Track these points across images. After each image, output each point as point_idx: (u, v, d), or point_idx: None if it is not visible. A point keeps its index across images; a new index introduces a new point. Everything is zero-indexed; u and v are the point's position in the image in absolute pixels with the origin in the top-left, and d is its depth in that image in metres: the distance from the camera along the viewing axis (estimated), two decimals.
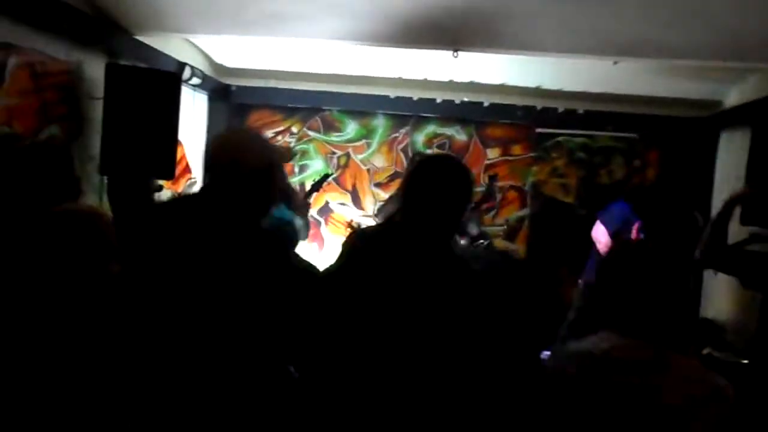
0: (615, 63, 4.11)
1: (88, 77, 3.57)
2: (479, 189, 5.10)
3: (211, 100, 5.48)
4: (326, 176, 4.38)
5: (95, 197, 3.78)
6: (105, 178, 3.75)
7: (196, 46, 4.91)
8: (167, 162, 3.62)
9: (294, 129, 5.76)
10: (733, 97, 4.88)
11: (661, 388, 1.43)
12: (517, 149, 5.56)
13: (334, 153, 5.72)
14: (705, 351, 2.63)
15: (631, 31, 3.51)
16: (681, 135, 5.31)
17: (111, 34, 3.69)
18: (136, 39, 3.89)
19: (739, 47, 3.46)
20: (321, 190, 4.61)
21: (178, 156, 4.86)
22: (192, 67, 4.61)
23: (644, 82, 4.82)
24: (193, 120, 5.10)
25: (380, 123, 5.66)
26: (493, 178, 3.97)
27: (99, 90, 3.39)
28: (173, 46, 4.39)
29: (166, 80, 3.56)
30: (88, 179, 3.67)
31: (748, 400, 2.11)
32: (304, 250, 4.60)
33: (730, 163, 4.77)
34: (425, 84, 5.32)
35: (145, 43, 3.99)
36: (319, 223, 5.68)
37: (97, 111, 3.46)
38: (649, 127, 5.37)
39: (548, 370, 1.77)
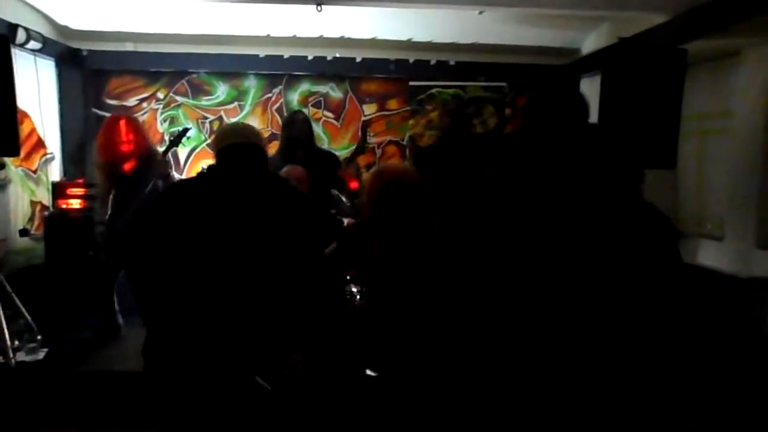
0: (480, 13, 4.19)
1: None
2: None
3: (60, 66, 4.98)
4: (185, 130, 4.15)
5: None
6: None
7: (32, 6, 4.39)
8: (8, 136, 3.28)
9: (160, 95, 5.41)
10: (588, 45, 5.17)
11: None
12: (393, 104, 5.59)
13: (205, 117, 5.45)
14: None
15: None
16: (546, 82, 5.57)
17: None
18: None
19: None
20: (182, 146, 4.33)
21: (26, 130, 4.43)
22: (27, 29, 4.12)
23: (510, 32, 4.98)
24: (40, 90, 4.61)
25: (252, 84, 5.45)
26: (365, 128, 3.97)
27: None
28: (0, 6, 3.90)
29: None
30: None
31: None
32: None
33: (590, 106, 5.07)
34: (295, 41, 5.15)
35: None
36: None
37: None
38: (517, 76, 5.57)
39: None
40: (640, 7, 3.78)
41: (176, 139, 3.96)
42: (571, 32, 5.07)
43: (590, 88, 5.14)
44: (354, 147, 3.91)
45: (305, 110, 5.46)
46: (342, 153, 5.16)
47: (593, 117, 3.65)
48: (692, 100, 3.76)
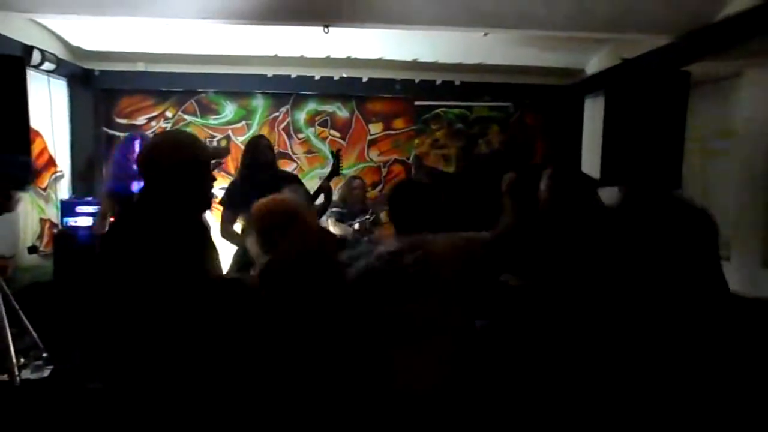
0: (485, 34, 4.24)
1: None
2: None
3: (71, 86, 5.06)
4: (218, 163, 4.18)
5: None
6: None
7: (46, 28, 4.49)
8: (20, 155, 3.32)
9: (168, 114, 5.48)
10: (593, 65, 5.22)
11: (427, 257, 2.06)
12: (398, 123, 5.64)
13: (213, 136, 5.51)
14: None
15: (496, 2, 3.64)
16: (551, 102, 5.62)
17: None
18: None
19: (589, 19, 3.69)
20: None
21: (37, 149, 4.49)
22: (42, 51, 4.21)
23: (514, 53, 5.04)
24: (53, 109, 4.68)
25: (259, 103, 5.52)
26: (336, 154, 4.00)
27: None
28: (17, 28, 3.99)
29: (8, 65, 3.24)
30: None
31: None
32: None
33: (594, 127, 5.12)
34: (302, 61, 5.23)
35: None
36: None
37: None
38: (522, 96, 5.62)
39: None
40: (644, 30, 3.82)
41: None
42: (576, 53, 5.13)
43: (594, 108, 5.19)
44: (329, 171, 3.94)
45: (311, 129, 5.55)
46: (348, 171, 5.22)
47: (599, 136, 3.70)
48: (696, 121, 3.79)
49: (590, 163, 5.01)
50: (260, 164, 3.68)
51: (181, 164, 1.87)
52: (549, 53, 5.01)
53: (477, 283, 2.13)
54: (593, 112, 5.22)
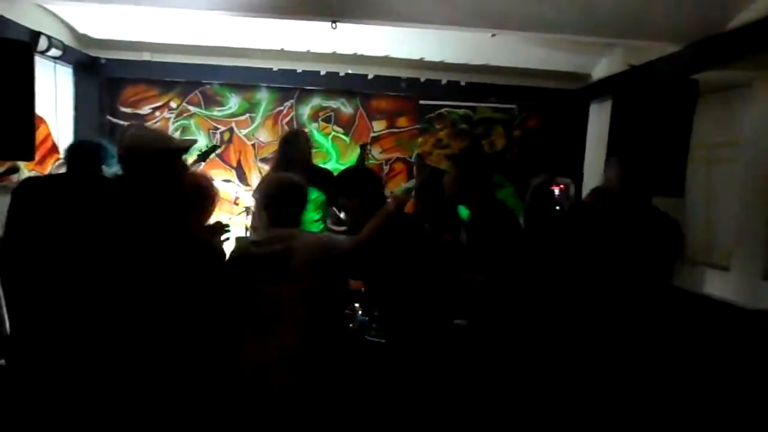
0: (492, 35, 4.22)
1: None
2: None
3: (77, 73, 5.05)
4: (214, 147, 4.17)
5: None
6: None
7: (54, 14, 4.48)
8: (24, 140, 3.31)
9: (173, 104, 5.46)
10: (600, 70, 5.21)
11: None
12: (402, 121, 5.62)
13: (216, 128, 5.50)
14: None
15: (505, 3, 3.63)
16: (556, 106, 5.60)
17: None
18: None
19: (597, 23, 3.69)
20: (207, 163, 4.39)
21: (42, 134, 4.47)
22: (49, 37, 4.19)
23: (522, 55, 5.02)
24: (57, 96, 4.67)
25: (264, 96, 5.50)
26: (363, 148, 4.01)
27: None
28: (24, 13, 3.97)
29: (15, 51, 3.23)
30: None
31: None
32: None
33: (598, 132, 5.10)
34: (308, 56, 5.21)
35: None
36: None
37: None
38: (528, 99, 5.61)
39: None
40: (653, 37, 3.81)
41: (204, 155, 4.01)
42: (583, 57, 5.11)
43: (600, 113, 5.17)
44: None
45: (315, 125, 5.53)
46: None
47: (603, 141, 3.70)
48: (702, 129, 3.78)
49: (593, 167, 5.01)
50: (291, 160, 3.67)
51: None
52: (556, 56, 5.00)
53: (330, 278, 2.37)
54: (599, 117, 5.20)
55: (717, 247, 4.08)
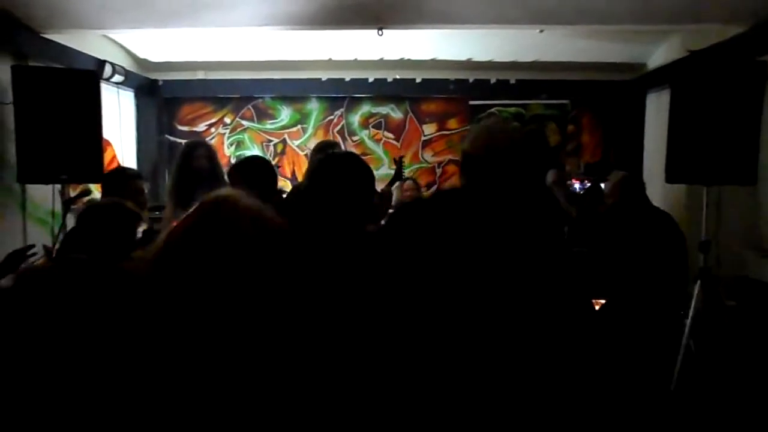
0: (541, 31, 4.16)
1: None
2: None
3: (138, 96, 5.27)
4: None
5: (17, 207, 3.59)
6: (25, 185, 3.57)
7: (116, 43, 4.71)
8: (93, 164, 3.48)
9: (227, 120, 5.62)
10: (655, 59, 5.03)
11: None
12: (452, 123, 5.60)
13: (270, 141, 5.62)
14: None
15: None
16: (611, 98, 5.46)
17: (15, 35, 3.47)
18: (45, 38, 3.68)
19: (653, 11, 3.56)
20: None
21: (108, 157, 4.68)
22: (113, 64, 4.41)
23: (572, 49, 4.92)
24: (121, 119, 4.89)
25: (314, 106, 5.59)
26: (399, 161, 4.01)
27: (8, 94, 3.21)
28: (90, 44, 4.19)
29: (83, 79, 3.40)
30: (9, 189, 3.48)
31: None
32: None
33: (657, 122, 4.93)
34: (356, 64, 5.26)
35: (57, 42, 3.78)
36: None
37: (8, 116, 3.28)
38: (580, 93, 5.48)
39: None
40: (713, 19, 3.64)
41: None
42: (637, 46, 4.95)
43: (658, 103, 5.00)
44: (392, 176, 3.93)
45: (366, 131, 5.57)
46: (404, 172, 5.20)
47: (662, 132, 3.57)
48: None
49: (653, 161, 4.84)
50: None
51: None
52: (608, 47, 4.86)
53: None
54: (657, 107, 5.03)
55: None
